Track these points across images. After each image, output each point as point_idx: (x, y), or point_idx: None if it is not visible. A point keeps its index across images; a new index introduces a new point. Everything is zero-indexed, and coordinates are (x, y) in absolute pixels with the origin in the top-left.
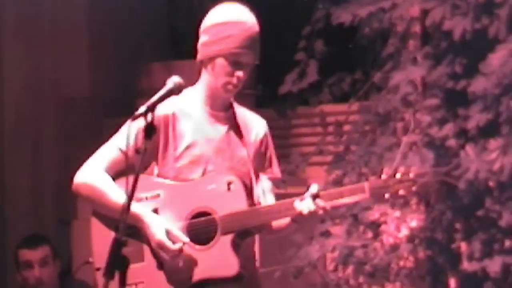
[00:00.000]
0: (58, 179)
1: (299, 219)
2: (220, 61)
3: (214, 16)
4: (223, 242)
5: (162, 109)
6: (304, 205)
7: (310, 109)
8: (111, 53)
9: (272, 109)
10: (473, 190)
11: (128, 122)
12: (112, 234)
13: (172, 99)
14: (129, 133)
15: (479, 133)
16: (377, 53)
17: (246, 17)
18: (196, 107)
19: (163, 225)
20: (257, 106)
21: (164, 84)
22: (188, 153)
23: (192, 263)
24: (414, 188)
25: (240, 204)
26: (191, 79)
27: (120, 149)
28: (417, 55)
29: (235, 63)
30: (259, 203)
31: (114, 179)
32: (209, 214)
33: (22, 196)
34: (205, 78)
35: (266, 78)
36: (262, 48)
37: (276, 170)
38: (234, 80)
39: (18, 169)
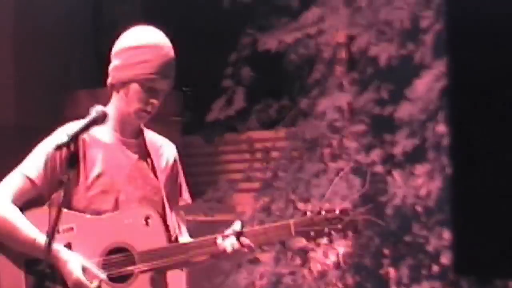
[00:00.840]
0: None
1: (221, 256)
2: (134, 87)
3: (128, 39)
4: (142, 280)
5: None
6: (228, 243)
7: (237, 136)
8: (37, 80)
9: (199, 135)
10: (400, 215)
11: (37, 148)
12: (19, 269)
13: (76, 123)
14: (38, 161)
15: (405, 158)
16: (303, 79)
17: (162, 42)
18: (106, 133)
19: (79, 261)
20: (184, 133)
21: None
22: (99, 182)
23: None
24: (339, 226)
25: (159, 240)
26: None
27: (29, 178)
28: (343, 81)
29: (149, 89)
30: (176, 237)
31: (22, 209)
32: (125, 250)
33: None
34: (116, 103)
35: (193, 105)
36: (190, 75)
37: (186, 196)
38: (148, 107)
39: None
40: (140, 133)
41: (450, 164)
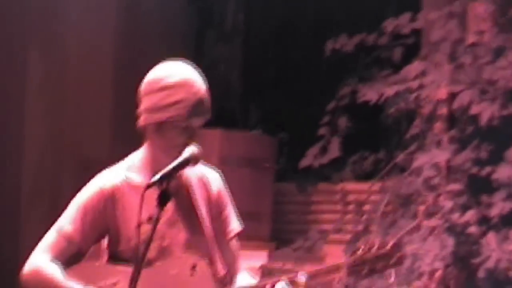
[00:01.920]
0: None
1: None
2: (169, 129)
3: (157, 78)
4: None
5: (108, 183)
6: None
7: (331, 186)
8: (132, 115)
9: (292, 183)
10: (492, 279)
11: (72, 202)
12: None
13: (117, 168)
14: (74, 215)
15: (501, 221)
16: (401, 133)
17: (193, 78)
18: (141, 177)
19: None
20: (277, 180)
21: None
22: (140, 231)
23: None
24: (390, 261)
25: None
26: (211, 147)
27: (64, 235)
28: (442, 138)
29: (185, 129)
30: (227, 271)
31: (65, 265)
32: None
33: None
34: (150, 144)
35: (288, 152)
36: (286, 121)
37: (235, 225)
38: (185, 147)
39: (34, 229)
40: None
41: None
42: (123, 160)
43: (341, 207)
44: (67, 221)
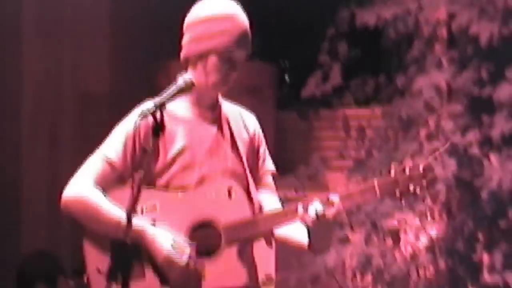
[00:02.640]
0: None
1: (310, 224)
2: (212, 58)
3: (201, 11)
4: (229, 253)
5: (151, 111)
6: (312, 208)
7: (332, 112)
8: (131, 50)
9: (294, 111)
10: (496, 199)
11: (116, 129)
12: (105, 253)
13: (159, 99)
14: (117, 142)
15: (503, 141)
16: (401, 56)
17: (238, 11)
18: (183, 108)
19: (168, 236)
20: (279, 108)
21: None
22: (180, 158)
23: (198, 276)
24: (424, 183)
25: (243, 212)
26: None
27: (108, 160)
28: (442, 59)
29: (228, 60)
30: (260, 206)
31: (105, 191)
32: (210, 224)
33: (38, 191)
34: (193, 76)
35: (289, 80)
36: (287, 49)
37: (270, 166)
38: (227, 79)
39: (34, 163)
40: (217, 105)
41: None
42: (121, 94)
43: (343, 134)
44: (110, 148)
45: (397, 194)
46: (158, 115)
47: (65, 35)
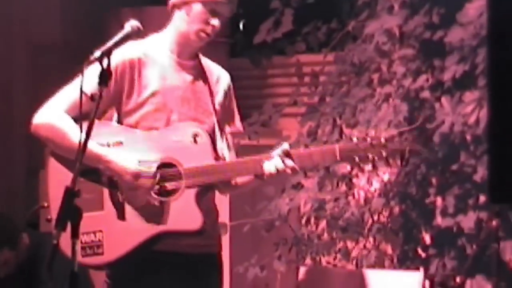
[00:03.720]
0: (27, 127)
1: (265, 176)
2: (197, 7)
3: None
4: (187, 196)
5: (128, 54)
6: (272, 163)
7: (285, 59)
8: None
9: (247, 58)
10: (448, 143)
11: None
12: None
13: (139, 43)
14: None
15: (455, 85)
16: (353, 1)
17: None
18: (163, 53)
19: (135, 156)
20: (231, 55)
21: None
22: (152, 100)
23: (158, 213)
24: (384, 153)
25: (206, 158)
26: (161, 26)
27: (83, 93)
28: (394, 3)
29: (212, 11)
30: (224, 158)
31: (76, 121)
32: (173, 165)
33: None
34: (176, 24)
35: (242, 27)
36: None
37: (238, 124)
38: (209, 29)
39: None
40: (197, 56)
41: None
42: (73, 46)
43: (296, 80)
44: (88, 82)
45: (356, 160)
46: (104, 61)
47: None
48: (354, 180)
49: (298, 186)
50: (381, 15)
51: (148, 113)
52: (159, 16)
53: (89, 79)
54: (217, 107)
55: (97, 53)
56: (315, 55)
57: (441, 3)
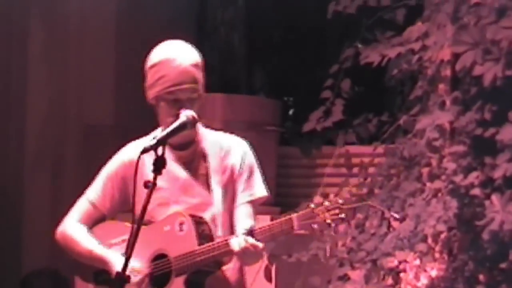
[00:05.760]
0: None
1: (238, 255)
2: (162, 103)
3: (150, 58)
4: (177, 284)
5: (127, 155)
6: (236, 242)
7: (335, 149)
8: (136, 82)
9: (296, 147)
10: (497, 241)
11: (101, 172)
12: (88, 282)
13: (137, 142)
14: (98, 184)
15: (505, 183)
16: (405, 95)
17: (174, 54)
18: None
19: (122, 259)
20: (280, 144)
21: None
22: (156, 196)
23: None
24: (342, 216)
25: (190, 244)
26: (214, 112)
27: (90, 201)
28: (446, 99)
29: (174, 101)
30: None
31: (91, 227)
32: (166, 256)
33: (40, 221)
34: (161, 118)
35: (292, 115)
36: (290, 85)
37: (259, 191)
38: (177, 118)
39: (37, 193)
40: (192, 144)
41: None
42: (125, 126)
43: (345, 171)
44: (94, 190)
45: (315, 227)
46: (159, 150)
47: (70, 65)
48: (402, 274)
49: (345, 278)
50: (433, 111)
51: (154, 209)
52: (212, 103)
53: (94, 185)
54: (222, 183)
55: (153, 142)
56: (365, 147)
57: (493, 100)
